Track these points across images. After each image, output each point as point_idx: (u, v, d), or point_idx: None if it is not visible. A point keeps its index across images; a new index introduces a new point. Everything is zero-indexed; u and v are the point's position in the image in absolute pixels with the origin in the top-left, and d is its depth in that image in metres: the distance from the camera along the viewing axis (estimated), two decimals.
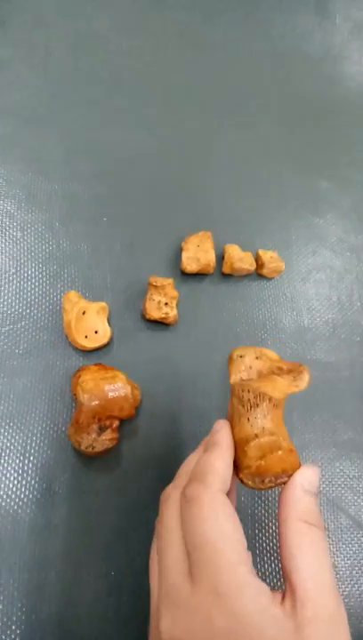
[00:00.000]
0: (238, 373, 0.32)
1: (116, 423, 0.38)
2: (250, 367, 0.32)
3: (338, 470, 0.43)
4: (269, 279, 0.48)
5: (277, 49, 0.57)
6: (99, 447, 0.37)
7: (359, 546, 0.40)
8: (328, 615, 0.23)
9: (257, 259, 0.47)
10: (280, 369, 0.31)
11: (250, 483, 0.28)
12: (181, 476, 0.29)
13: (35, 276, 0.43)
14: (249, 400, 0.29)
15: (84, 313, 0.41)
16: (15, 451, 0.38)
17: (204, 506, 0.25)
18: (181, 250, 0.45)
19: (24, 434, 0.38)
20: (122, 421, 0.39)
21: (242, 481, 0.28)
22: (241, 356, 0.32)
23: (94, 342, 0.41)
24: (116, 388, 0.38)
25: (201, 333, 0.44)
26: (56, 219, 0.45)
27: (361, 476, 0.43)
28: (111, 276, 0.44)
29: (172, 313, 0.42)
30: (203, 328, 0.44)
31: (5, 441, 0.38)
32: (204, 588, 0.23)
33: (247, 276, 0.47)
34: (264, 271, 0.47)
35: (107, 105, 0.50)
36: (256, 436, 0.28)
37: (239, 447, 0.28)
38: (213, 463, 0.27)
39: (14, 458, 0.38)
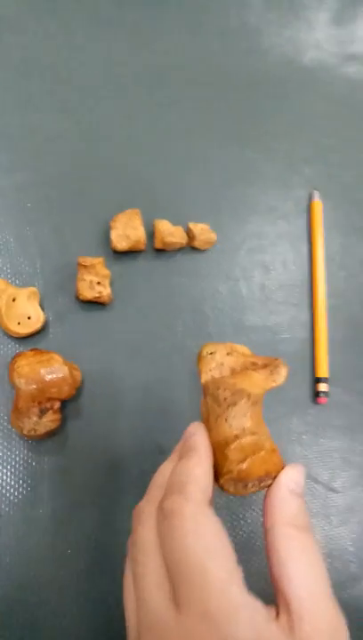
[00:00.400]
0: (209, 372, 0.30)
1: (57, 405, 0.38)
2: (222, 364, 0.30)
3: (285, 428, 0.44)
4: (202, 251, 0.48)
5: (193, 24, 0.58)
6: (41, 429, 0.37)
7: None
8: (328, 626, 0.21)
9: (188, 232, 0.47)
10: (254, 364, 0.30)
11: (231, 489, 0.26)
12: (154, 488, 0.26)
13: None
14: (226, 398, 0.27)
15: (14, 300, 0.40)
16: None
17: (186, 520, 0.22)
18: (110, 229, 0.45)
19: None
20: (65, 403, 0.39)
21: (222, 487, 0.26)
22: (211, 353, 0.30)
23: (28, 328, 0.40)
24: (53, 370, 0.38)
25: (138, 310, 0.44)
26: None
27: (307, 431, 0.44)
28: (41, 261, 0.44)
29: (105, 292, 0.42)
30: (140, 305, 0.44)
31: None
32: (192, 613, 0.20)
33: (180, 250, 0.47)
34: (196, 243, 0.47)
35: (20, 90, 0.49)
36: (236, 437, 0.26)
37: (218, 451, 0.26)
38: (192, 471, 0.24)
39: None
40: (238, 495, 0.26)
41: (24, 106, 0.49)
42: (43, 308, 0.41)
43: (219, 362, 0.30)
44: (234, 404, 0.26)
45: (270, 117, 0.55)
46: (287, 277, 0.49)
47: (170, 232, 0.46)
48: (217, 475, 0.26)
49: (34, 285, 0.42)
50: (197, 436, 0.26)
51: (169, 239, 0.45)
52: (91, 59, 0.53)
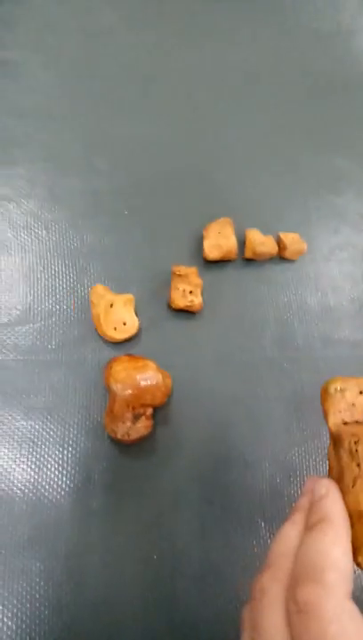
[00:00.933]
0: (338, 413, 0.25)
1: (149, 411, 0.39)
2: (353, 405, 0.25)
3: None
4: (292, 261, 0.48)
5: (287, 27, 0.57)
6: (134, 435, 0.38)
7: None
8: None
9: (279, 241, 0.47)
10: None
11: None
12: (277, 560, 0.22)
13: (62, 272, 0.44)
14: None
15: (111, 305, 0.41)
16: (54, 442, 0.39)
17: (327, 622, 0.18)
18: (202, 238, 0.45)
19: (61, 425, 0.40)
20: (155, 409, 0.40)
21: (360, 565, 0.22)
22: (341, 391, 0.26)
23: (123, 333, 0.42)
24: (148, 376, 0.39)
25: (227, 319, 0.45)
26: (78, 215, 0.46)
27: None
28: (136, 268, 0.45)
29: (197, 300, 0.43)
30: (228, 314, 0.45)
31: (44, 433, 0.39)
32: None
33: (270, 259, 0.47)
34: (287, 253, 0.47)
35: (119, 99, 0.50)
36: None
37: (358, 522, 0.22)
38: (330, 552, 0.20)
39: (53, 449, 0.39)
40: None
41: (124, 115, 0.50)
42: (137, 315, 0.42)
43: (350, 402, 0.25)
44: None
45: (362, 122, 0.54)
46: None
47: (261, 242, 0.46)
48: (354, 549, 0.21)
49: (129, 291, 0.43)
50: (331, 500, 0.22)
51: (260, 249, 0.45)
52: (184, 66, 0.53)
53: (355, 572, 0.35)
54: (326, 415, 0.26)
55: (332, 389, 0.26)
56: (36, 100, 0.50)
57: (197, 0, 0.56)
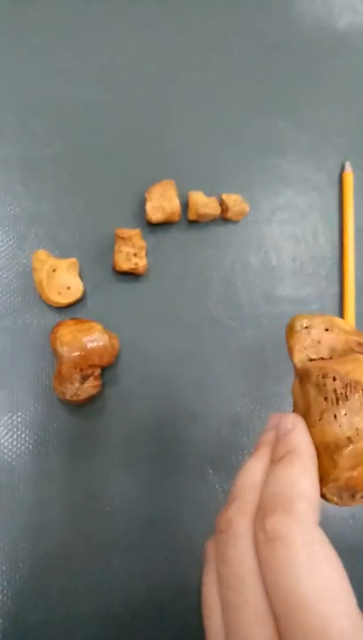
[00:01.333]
0: (303, 350, 0.25)
1: (97, 371, 0.39)
2: (318, 342, 0.25)
3: None
4: (235, 222, 0.49)
5: None
6: (83, 395, 0.39)
7: None
8: None
9: (221, 203, 0.48)
10: (362, 345, 0.25)
11: (335, 499, 0.22)
12: (243, 493, 0.22)
13: (1, 240, 0.43)
14: (335, 391, 0.22)
15: (54, 270, 0.41)
16: (4, 408, 0.40)
17: (297, 550, 0.18)
18: (145, 200, 0.45)
19: (10, 391, 0.40)
20: (103, 369, 0.41)
21: (324, 497, 0.22)
22: (306, 327, 0.25)
23: (68, 298, 0.42)
24: (94, 338, 0.39)
25: (172, 280, 0.45)
26: (17, 181, 0.45)
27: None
28: (78, 233, 0.45)
29: (141, 263, 0.43)
30: (173, 275, 0.45)
31: None
32: None
33: (213, 221, 0.48)
34: (229, 215, 0.48)
35: (55, 60, 0.49)
36: (349, 439, 0.21)
37: (325, 454, 0.22)
38: (298, 482, 0.20)
39: (3, 414, 0.39)
40: (342, 506, 0.23)
41: (61, 77, 0.49)
42: (81, 279, 0.43)
43: (315, 339, 0.25)
44: (345, 398, 0.22)
45: (304, 86, 0.55)
46: (318, 249, 0.50)
47: (204, 203, 0.46)
48: (319, 481, 0.22)
49: (72, 256, 0.43)
50: (298, 433, 0.22)
51: (203, 210, 0.46)
52: (128, 27, 0.52)
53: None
54: (291, 352, 0.25)
55: (298, 326, 0.26)
56: None
57: None
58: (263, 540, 0.19)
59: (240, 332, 0.45)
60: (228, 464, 0.42)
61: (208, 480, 0.41)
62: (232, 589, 0.19)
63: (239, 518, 0.21)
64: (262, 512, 0.20)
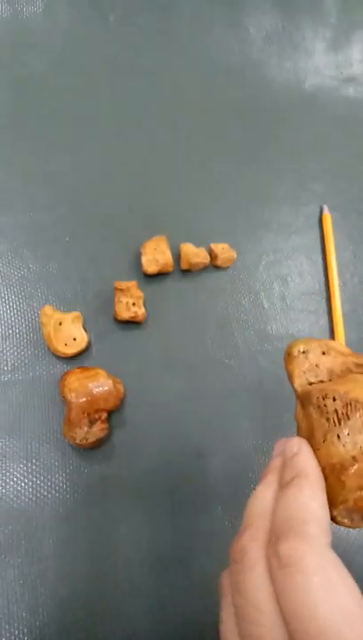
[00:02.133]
0: (303, 375, 0.26)
1: (104, 415, 0.42)
2: (317, 365, 0.26)
3: None
4: (224, 269, 0.52)
5: (199, 62, 0.63)
6: (92, 438, 0.41)
7: None
8: None
9: (210, 252, 0.52)
10: (359, 366, 0.26)
11: (346, 521, 0.22)
12: (254, 520, 0.22)
13: (11, 300, 0.47)
14: (336, 411, 0.23)
15: (60, 324, 0.45)
16: (18, 456, 0.42)
17: (312, 574, 0.18)
18: (140, 255, 0.49)
19: (24, 440, 0.42)
20: (111, 414, 0.43)
21: (335, 520, 0.22)
22: (304, 352, 0.26)
23: (74, 348, 0.45)
24: (100, 383, 0.42)
25: (170, 326, 0.48)
26: (23, 246, 0.49)
27: None
28: (81, 288, 0.48)
29: (140, 311, 0.47)
30: (170, 321, 0.49)
31: (8, 449, 0.42)
32: None
33: (204, 269, 0.52)
34: (219, 262, 0.51)
35: (53, 138, 0.55)
36: (354, 459, 0.22)
37: (331, 475, 0.22)
38: (308, 505, 0.21)
39: (18, 463, 0.42)
40: (354, 528, 0.23)
41: (59, 152, 0.54)
42: (86, 330, 0.46)
43: (313, 363, 0.26)
44: (347, 418, 0.22)
45: (279, 140, 0.60)
46: (305, 287, 0.53)
47: (194, 253, 0.50)
48: (329, 504, 0.22)
49: (76, 310, 0.47)
50: (304, 456, 0.23)
51: (194, 260, 0.50)
52: (111, 104, 0.58)
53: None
54: (290, 377, 0.26)
55: (295, 351, 0.26)
56: None
57: (117, 48, 0.62)
58: (277, 567, 0.19)
59: (238, 370, 0.48)
60: (236, 499, 0.43)
61: (217, 516, 0.42)
62: (250, 621, 0.19)
63: (252, 546, 0.21)
64: (275, 538, 0.20)
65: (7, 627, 0.36)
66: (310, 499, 0.21)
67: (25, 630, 0.36)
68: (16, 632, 0.36)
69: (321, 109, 0.63)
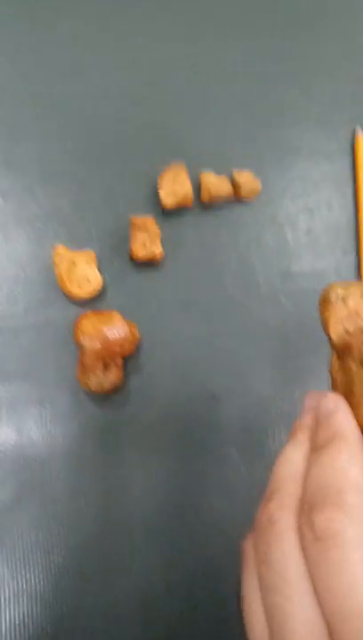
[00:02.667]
0: (340, 323, 0.23)
1: (119, 361, 0.41)
2: (357, 313, 0.23)
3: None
4: (247, 201, 0.48)
5: None
6: (107, 385, 0.40)
7: None
8: None
9: (233, 181, 0.47)
10: None
11: None
12: (284, 485, 0.20)
13: (22, 239, 0.45)
14: None
15: (74, 264, 0.43)
16: (31, 403, 0.42)
17: (352, 550, 0.16)
18: (158, 187, 0.46)
19: (37, 386, 0.42)
20: (126, 359, 0.42)
21: None
22: (342, 298, 0.23)
23: (88, 290, 0.43)
24: (114, 328, 0.41)
25: (188, 266, 0.46)
26: (34, 181, 0.46)
27: None
28: (95, 226, 0.45)
29: (157, 250, 0.44)
30: (190, 260, 0.46)
31: (21, 395, 0.42)
32: None
33: (227, 202, 0.48)
34: (242, 193, 0.47)
35: (66, 61, 0.49)
36: None
37: None
38: (348, 472, 0.19)
39: (32, 409, 0.42)
40: None
41: (70, 77, 0.49)
42: (100, 271, 0.44)
43: (353, 309, 0.23)
44: None
45: (312, 53, 0.53)
46: (333, 220, 0.49)
47: (216, 185, 0.46)
48: None
49: (90, 249, 0.44)
50: (342, 416, 0.21)
51: (215, 191, 0.46)
52: (126, 21, 0.51)
53: None
54: (326, 325, 0.23)
55: (333, 297, 0.23)
56: None
57: None
58: (312, 539, 0.17)
59: (259, 311, 0.46)
60: (252, 445, 0.43)
61: (233, 462, 0.42)
62: (277, 593, 0.18)
63: (282, 514, 0.19)
64: (309, 506, 0.18)
65: (23, 572, 0.38)
66: (349, 464, 0.19)
67: (41, 575, 0.38)
68: (32, 577, 0.38)
69: (360, 19, 0.55)
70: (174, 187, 0.46)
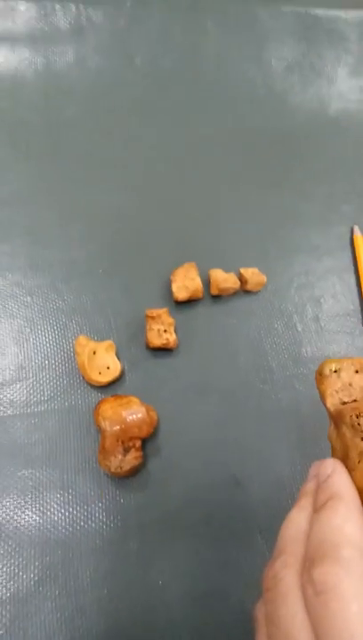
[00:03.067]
0: (336, 395, 0.25)
1: (138, 443, 0.42)
2: (350, 384, 0.25)
3: None
4: (255, 293, 0.52)
5: (226, 96, 0.65)
6: (126, 466, 0.41)
7: None
8: None
9: (240, 277, 0.52)
10: None
11: None
12: (287, 545, 0.21)
13: (47, 331, 0.48)
14: None
15: (94, 353, 0.46)
16: (55, 486, 0.42)
17: (349, 601, 0.17)
18: (170, 282, 0.50)
19: (60, 470, 0.43)
20: (145, 442, 0.43)
21: None
22: (336, 371, 0.26)
23: (108, 377, 0.45)
24: (133, 411, 0.42)
25: (202, 351, 0.48)
26: (58, 280, 0.51)
27: None
28: (114, 318, 0.49)
29: (172, 338, 0.47)
30: (203, 347, 0.49)
31: (45, 479, 0.42)
32: None
33: (235, 294, 0.52)
34: (249, 286, 0.51)
35: (86, 177, 0.57)
36: None
37: None
38: (343, 528, 0.20)
39: (55, 492, 0.42)
40: None
41: (91, 188, 0.56)
42: (119, 358, 0.46)
43: (346, 382, 0.25)
44: None
45: (306, 165, 0.61)
46: (339, 308, 0.52)
47: (224, 278, 0.50)
48: None
49: (110, 339, 0.47)
50: (338, 477, 0.22)
51: (223, 285, 0.50)
52: (139, 141, 0.60)
53: None
54: (323, 397, 0.25)
55: (327, 371, 0.26)
56: (12, 189, 0.56)
57: (144, 88, 0.64)
58: (312, 594, 0.18)
59: (273, 395, 0.47)
60: (276, 529, 0.41)
61: (257, 546, 0.41)
62: None
63: (286, 573, 0.20)
64: (309, 563, 0.19)
65: None
66: (345, 520, 0.20)
67: None
68: None
69: (347, 132, 0.64)
70: (186, 281, 0.50)
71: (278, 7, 0.69)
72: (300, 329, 0.51)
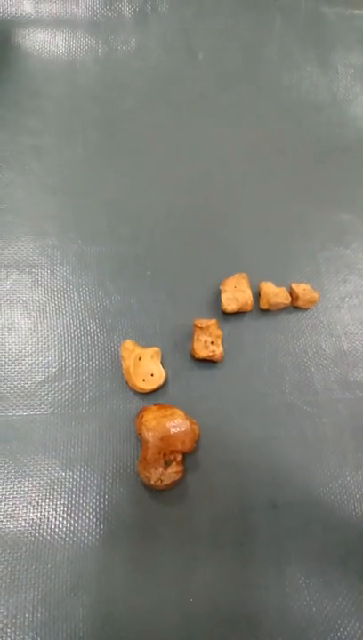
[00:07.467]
0: None
1: (179, 457, 0.41)
2: None
3: None
4: (305, 310, 0.51)
5: (287, 102, 0.63)
6: (166, 480, 0.40)
7: None
8: None
9: (291, 292, 0.50)
10: None
11: None
12: None
13: (93, 331, 0.48)
14: None
15: (140, 359, 0.45)
16: (91, 490, 0.42)
17: None
18: (219, 292, 0.49)
19: (98, 474, 0.42)
20: (184, 455, 0.43)
21: None
22: None
23: (152, 384, 0.45)
24: (177, 424, 0.41)
25: (248, 366, 0.47)
26: (106, 278, 0.50)
27: None
28: (160, 323, 0.48)
29: (218, 350, 0.46)
30: (248, 362, 0.48)
31: (82, 482, 0.42)
32: None
33: (284, 309, 0.50)
34: (299, 303, 0.50)
35: (139, 174, 0.56)
36: None
37: None
38: None
39: (91, 497, 0.41)
40: None
41: (143, 187, 0.55)
42: (163, 366, 0.46)
43: None
44: None
45: (360, 181, 0.59)
46: None
47: (275, 293, 0.49)
48: None
49: (155, 345, 0.47)
50: None
51: (274, 300, 0.49)
52: (196, 142, 0.59)
53: None
54: None
55: None
56: (64, 178, 0.55)
57: (205, 85, 0.63)
58: None
59: (317, 419, 0.46)
60: (310, 557, 0.41)
61: (291, 573, 0.40)
62: None
63: None
64: None
65: None
66: None
67: None
68: None
69: None
70: (236, 293, 0.49)
71: (350, 10, 0.66)
72: (348, 351, 0.49)
